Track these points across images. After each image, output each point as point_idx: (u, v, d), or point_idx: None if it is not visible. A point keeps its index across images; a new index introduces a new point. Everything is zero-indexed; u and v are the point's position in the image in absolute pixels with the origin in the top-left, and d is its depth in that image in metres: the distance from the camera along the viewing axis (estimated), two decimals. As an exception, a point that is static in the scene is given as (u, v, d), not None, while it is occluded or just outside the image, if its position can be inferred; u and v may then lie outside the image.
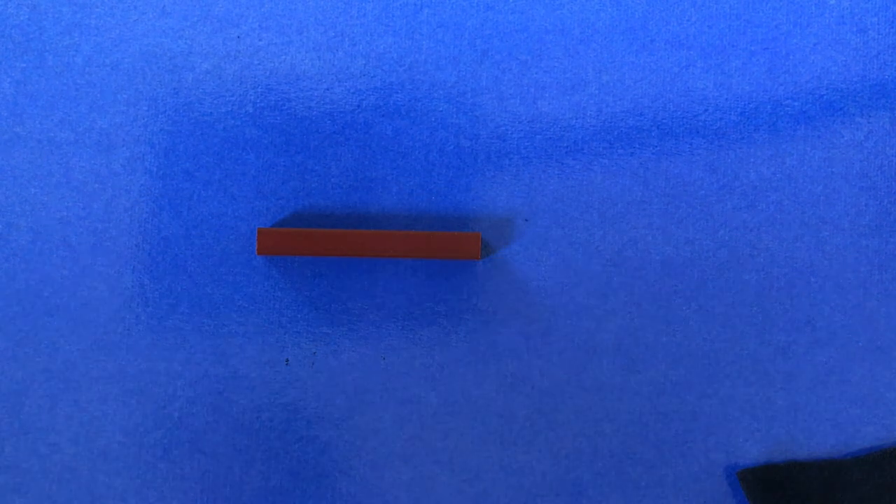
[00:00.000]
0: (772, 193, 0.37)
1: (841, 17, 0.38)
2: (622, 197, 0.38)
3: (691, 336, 0.37)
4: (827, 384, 0.36)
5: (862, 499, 0.35)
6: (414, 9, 0.39)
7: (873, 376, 0.36)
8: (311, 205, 0.38)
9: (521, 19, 0.39)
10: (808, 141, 0.38)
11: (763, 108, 0.38)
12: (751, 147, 0.38)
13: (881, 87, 0.38)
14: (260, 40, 0.39)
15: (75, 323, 0.38)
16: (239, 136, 0.38)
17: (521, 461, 0.36)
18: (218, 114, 0.38)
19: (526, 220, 0.37)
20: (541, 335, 0.37)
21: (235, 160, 0.37)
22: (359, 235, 0.36)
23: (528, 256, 0.37)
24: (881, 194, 0.37)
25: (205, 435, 0.37)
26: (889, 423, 0.36)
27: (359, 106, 0.38)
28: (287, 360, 0.38)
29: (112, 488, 0.37)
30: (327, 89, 0.39)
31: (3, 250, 0.38)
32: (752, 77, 0.38)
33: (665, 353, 0.37)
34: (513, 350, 0.37)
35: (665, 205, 0.37)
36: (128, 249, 0.38)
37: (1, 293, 0.37)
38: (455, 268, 0.37)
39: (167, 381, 0.38)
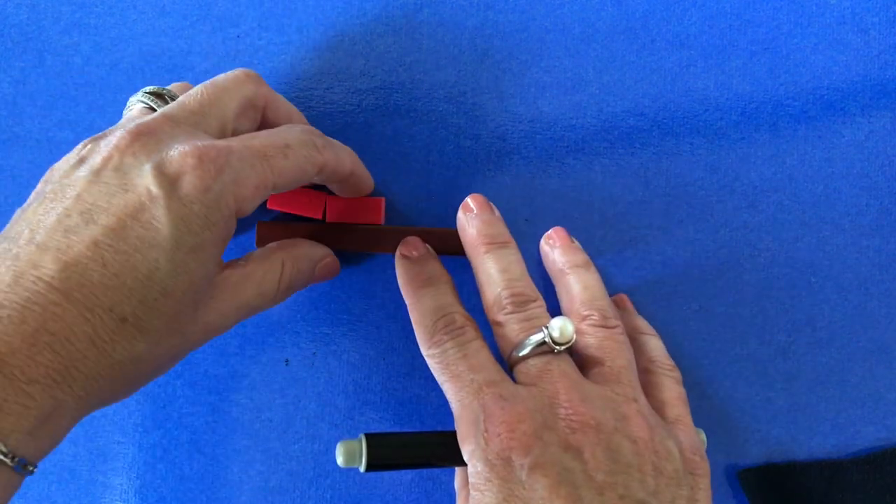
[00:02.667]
0: (772, 193, 0.37)
1: (842, 17, 0.38)
2: (622, 197, 0.37)
3: (691, 336, 0.37)
4: (827, 384, 0.36)
5: (862, 499, 0.35)
6: (414, 9, 0.39)
7: (874, 377, 0.36)
8: (311, 205, 0.38)
9: (522, 19, 0.39)
10: (808, 141, 0.38)
11: (764, 108, 0.38)
12: (751, 147, 0.38)
13: (882, 87, 0.38)
14: (260, 40, 0.39)
15: (75, 323, 0.38)
16: (238, 136, 0.38)
17: (521, 461, 0.36)
18: (217, 113, 0.38)
19: (526, 219, 0.37)
20: (541, 335, 0.37)
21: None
22: (358, 229, 0.36)
23: (528, 256, 0.37)
24: (882, 194, 0.37)
25: (205, 435, 0.37)
26: (889, 423, 0.36)
27: (359, 106, 0.38)
28: (287, 361, 0.38)
29: (112, 488, 0.37)
30: (327, 89, 0.39)
31: (3, 250, 0.37)
32: (752, 77, 0.38)
33: (665, 353, 0.37)
34: (513, 350, 0.37)
35: (665, 205, 0.37)
36: (127, 249, 0.38)
37: (0, 293, 0.37)
38: (455, 266, 0.37)
39: (167, 381, 0.38)
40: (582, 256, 0.35)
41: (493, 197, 0.38)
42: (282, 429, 0.37)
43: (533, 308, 0.31)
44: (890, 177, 0.38)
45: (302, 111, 0.38)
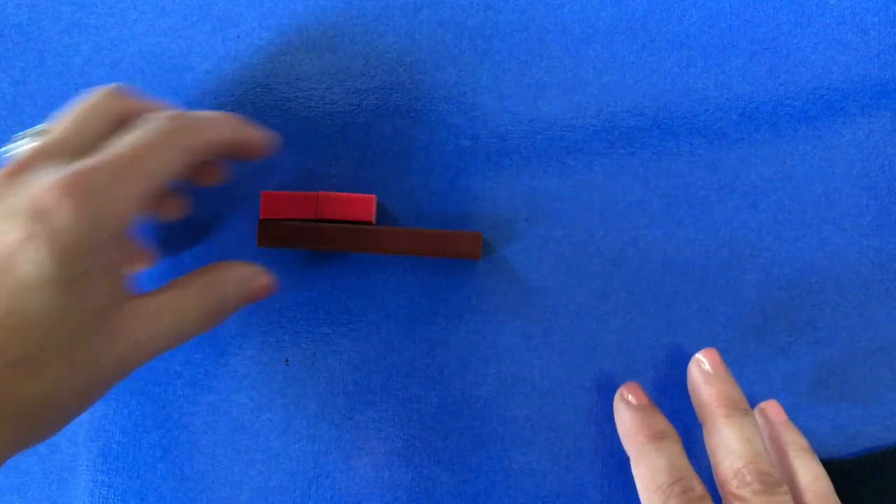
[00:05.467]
0: (772, 193, 0.37)
1: (842, 16, 0.38)
2: (622, 197, 0.37)
3: (691, 336, 0.37)
4: (827, 385, 0.36)
5: (863, 500, 0.35)
6: (414, 8, 0.39)
7: (874, 377, 0.36)
8: (311, 205, 0.38)
9: (522, 18, 0.39)
10: (808, 141, 0.38)
11: (764, 108, 0.38)
12: (751, 147, 0.38)
13: (882, 86, 0.38)
14: (259, 40, 0.39)
15: (75, 323, 0.38)
16: (238, 136, 0.38)
17: (521, 461, 0.36)
18: (217, 113, 0.38)
19: (526, 219, 0.37)
20: (541, 335, 0.37)
21: (235, 160, 0.36)
22: (357, 229, 0.36)
23: (528, 256, 0.37)
24: (882, 194, 0.37)
25: (205, 435, 0.37)
26: (890, 423, 0.36)
27: (359, 106, 0.38)
28: (287, 360, 0.38)
29: (112, 488, 0.37)
30: (327, 89, 0.39)
31: (3, 250, 0.37)
32: (752, 77, 0.38)
33: (665, 352, 0.37)
34: (513, 350, 0.37)
35: (665, 205, 0.37)
36: (127, 249, 0.38)
37: (0, 293, 0.37)
38: (455, 267, 0.37)
39: (167, 381, 0.38)
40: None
41: (493, 197, 0.38)
42: (282, 429, 0.37)
43: (781, 494, 0.29)
44: (890, 177, 0.38)
45: (302, 111, 0.38)
